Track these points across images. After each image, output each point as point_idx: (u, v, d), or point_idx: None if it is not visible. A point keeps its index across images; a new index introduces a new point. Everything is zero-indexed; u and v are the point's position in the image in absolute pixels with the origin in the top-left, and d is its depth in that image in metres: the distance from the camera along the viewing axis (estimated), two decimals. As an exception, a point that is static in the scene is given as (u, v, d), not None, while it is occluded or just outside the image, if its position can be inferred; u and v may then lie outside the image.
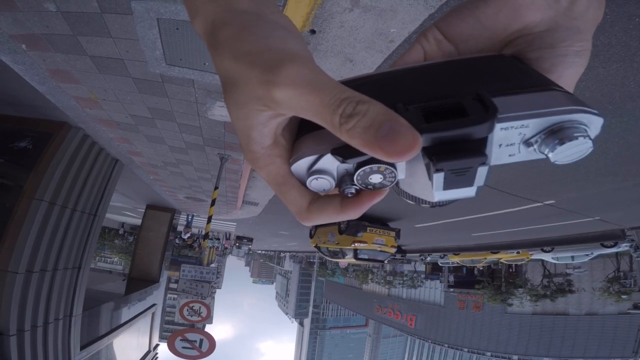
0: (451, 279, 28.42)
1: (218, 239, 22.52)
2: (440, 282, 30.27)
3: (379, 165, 0.24)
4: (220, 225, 20.18)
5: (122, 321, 7.15)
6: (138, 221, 13.42)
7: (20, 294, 4.06)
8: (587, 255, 13.18)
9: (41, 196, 4.24)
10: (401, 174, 0.26)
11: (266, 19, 0.25)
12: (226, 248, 31.15)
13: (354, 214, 0.27)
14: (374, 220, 9.28)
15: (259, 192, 9.04)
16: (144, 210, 11.24)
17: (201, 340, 5.34)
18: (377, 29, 2.48)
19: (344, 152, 0.24)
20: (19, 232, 4.03)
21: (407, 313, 33.35)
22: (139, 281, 9.36)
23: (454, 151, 0.21)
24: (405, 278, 33.03)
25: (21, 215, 4.08)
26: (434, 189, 0.23)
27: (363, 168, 0.24)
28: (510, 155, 0.25)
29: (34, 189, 4.19)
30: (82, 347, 5.32)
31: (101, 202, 5.58)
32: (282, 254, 60.92)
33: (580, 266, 17.45)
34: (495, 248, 16.11)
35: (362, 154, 0.23)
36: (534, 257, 15.84)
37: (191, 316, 5.52)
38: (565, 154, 0.23)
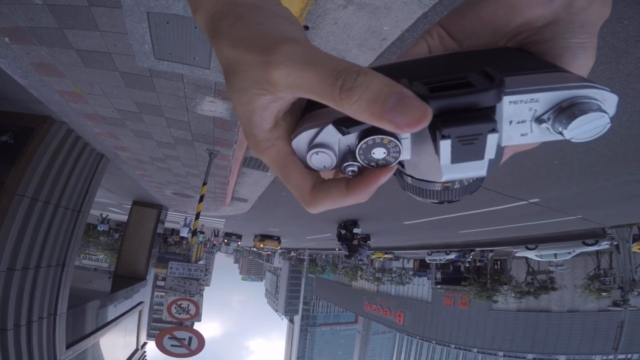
0: (438, 275, 28.82)
1: (202, 233, 22.23)
2: (428, 279, 30.69)
3: (383, 137, 0.23)
4: (208, 221, 19.96)
5: (109, 319, 7.02)
6: (124, 217, 13.17)
7: (1, 293, 3.93)
8: (570, 252, 13.61)
9: (23, 192, 4.10)
10: (406, 154, 0.25)
11: (265, 10, 0.26)
12: (214, 245, 30.87)
13: (361, 196, 0.26)
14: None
15: (248, 189, 8.98)
16: (130, 207, 11.03)
17: (190, 338, 5.29)
18: (370, 26, 2.48)
19: (345, 122, 0.23)
20: (0, 229, 3.89)
21: (396, 310, 33.74)
22: (125, 279, 9.17)
23: (461, 117, 0.21)
24: (393, 275, 33.39)
25: (2, 212, 3.95)
26: (441, 161, 0.22)
27: (365, 140, 0.23)
28: (522, 135, 0.24)
29: (15, 185, 4.05)
30: (68, 346, 5.20)
31: (85, 198, 5.44)
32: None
33: (563, 264, 17.97)
34: (481, 245, 16.48)
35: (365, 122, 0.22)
36: (518, 254, 16.24)
37: (179, 314, 5.46)
38: (581, 129, 0.22)
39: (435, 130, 0.21)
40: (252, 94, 0.24)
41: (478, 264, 22.94)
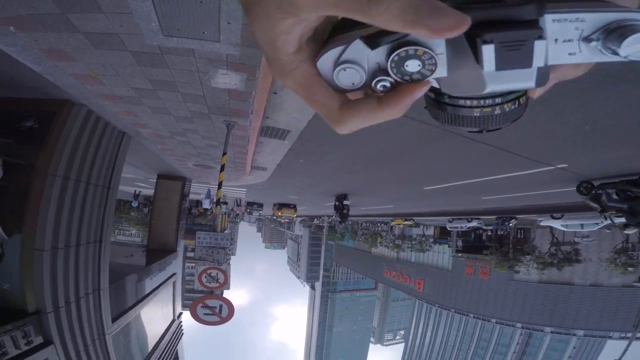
0: (459, 243, 28.56)
1: (226, 203, 22.98)
2: (449, 246, 30.47)
3: (416, 47, 0.22)
4: (230, 191, 20.51)
5: (146, 292, 7.46)
6: (151, 191, 13.79)
7: (50, 271, 4.19)
8: (597, 224, 13.01)
9: (54, 172, 4.31)
10: (442, 70, 0.23)
11: None
12: (237, 214, 31.90)
13: (395, 110, 0.25)
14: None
15: (267, 157, 9.08)
16: (155, 181, 11.45)
17: (221, 306, 5.58)
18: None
19: (374, 36, 0.22)
20: (39, 209, 4.12)
21: (416, 277, 33.94)
22: (157, 252, 9.66)
23: (504, 24, 0.20)
24: (413, 242, 33.40)
25: (38, 192, 4.16)
26: (485, 67, 0.21)
27: (398, 51, 0.22)
28: (570, 54, 0.23)
29: (46, 166, 4.26)
30: (114, 320, 5.59)
31: (113, 174, 5.67)
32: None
33: (589, 235, 17.26)
34: (504, 213, 16.00)
35: (396, 33, 0.21)
36: (542, 223, 15.68)
37: (209, 283, 5.74)
38: (636, 47, 0.21)
39: (476, 39, 0.20)
40: (275, 19, 0.23)
41: (500, 232, 22.45)
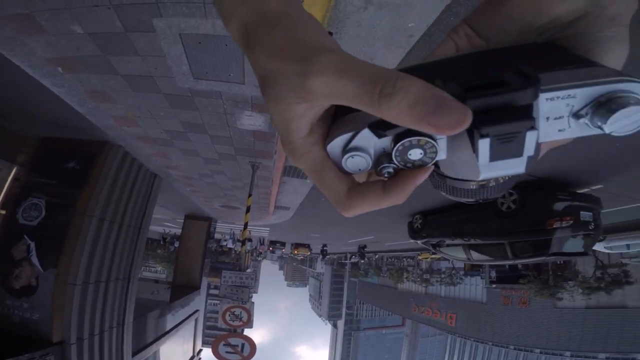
0: (493, 274, 27.06)
1: (250, 241, 23.34)
2: (482, 278, 28.94)
3: (419, 138, 0.23)
4: (254, 230, 20.70)
5: (168, 328, 7.49)
6: (178, 230, 14.13)
7: (79, 305, 4.39)
8: None
9: (92, 212, 4.61)
10: (442, 154, 0.25)
11: (294, 17, 0.27)
12: (260, 253, 31.87)
13: (398, 197, 0.26)
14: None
15: (290, 197, 9.20)
16: (182, 221, 11.82)
17: (243, 345, 5.45)
18: (394, 25, 2.47)
19: (381, 125, 0.23)
20: (75, 247, 4.39)
21: (447, 311, 32.14)
22: (182, 288, 9.79)
23: (499, 115, 0.21)
24: (442, 275, 31.96)
25: (76, 231, 4.46)
26: (479, 160, 0.22)
27: (402, 142, 0.23)
28: (560, 131, 0.24)
29: (85, 206, 4.56)
30: (134, 354, 5.63)
31: (144, 215, 5.95)
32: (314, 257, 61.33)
33: (638, 255, 15.89)
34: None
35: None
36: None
37: (233, 321, 5.68)
38: (621, 123, 0.22)
39: (473, 130, 0.21)
40: (290, 103, 0.24)
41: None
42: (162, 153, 5.59)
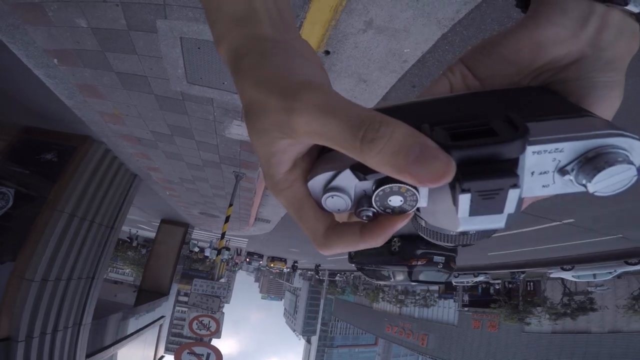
0: (466, 298, 27.60)
1: (229, 249, 22.77)
2: (454, 301, 29.45)
3: (400, 185, 0.22)
4: (232, 240, 20.27)
5: (129, 332, 7.20)
6: (151, 234, 13.64)
7: (34, 302, 4.17)
8: (610, 273, 12.72)
9: (62, 208, 4.40)
10: (423, 201, 0.24)
11: (286, 45, 0.26)
12: (237, 263, 31.14)
13: (375, 241, 0.26)
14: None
15: (272, 210, 9.12)
16: (158, 224, 11.45)
17: (208, 354, 5.29)
18: (390, 49, 2.55)
19: (363, 168, 0.23)
20: (39, 242, 4.18)
21: (419, 332, 32.44)
22: (149, 293, 9.45)
23: (483, 171, 0.20)
24: (417, 297, 32.28)
25: (42, 226, 4.25)
26: (459, 214, 0.21)
27: (382, 187, 0.23)
28: (544, 187, 0.23)
29: (56, 200, 4.36)
30: (87, 356, 5.36)
31: (119, 215, 5.74)
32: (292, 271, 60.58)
33: (603, 284, 16.73)
34: (511, 267, 15.62)
35: None
36: (553, 275, 15.35)
37: (200, 330, 5.51)
38: (605, 183, 0.21)
39: (455, 182, 0.20)
40: (273, 137, 0.23)
41: (509, 285, 21.74)
42: (144, 154, 5.45)
